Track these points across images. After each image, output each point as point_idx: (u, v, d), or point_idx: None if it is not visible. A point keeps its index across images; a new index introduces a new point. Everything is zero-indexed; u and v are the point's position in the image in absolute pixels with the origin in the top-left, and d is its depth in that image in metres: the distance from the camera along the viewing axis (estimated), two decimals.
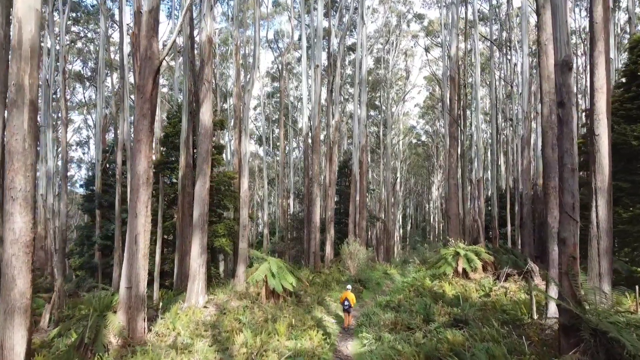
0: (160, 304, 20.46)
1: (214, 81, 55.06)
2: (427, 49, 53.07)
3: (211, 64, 18.19)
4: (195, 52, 22.03)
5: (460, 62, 27.69)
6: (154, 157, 30.71)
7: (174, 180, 26.80)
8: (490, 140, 39.47)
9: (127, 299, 12.29)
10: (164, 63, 54.99)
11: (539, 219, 22.95)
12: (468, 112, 46.28)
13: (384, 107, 56.11)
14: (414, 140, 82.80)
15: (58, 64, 28.84)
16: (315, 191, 26.26)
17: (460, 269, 19.74)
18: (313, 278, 20.62)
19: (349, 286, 15.54)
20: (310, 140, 27.23)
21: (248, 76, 21.40)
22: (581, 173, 19.32)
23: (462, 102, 26.35)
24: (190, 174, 22.49)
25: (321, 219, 28.12)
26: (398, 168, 65.39)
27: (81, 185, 32.23)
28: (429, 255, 34.46)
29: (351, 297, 14.35)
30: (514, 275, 17.59)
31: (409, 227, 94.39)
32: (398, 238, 75.22)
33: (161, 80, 58.91)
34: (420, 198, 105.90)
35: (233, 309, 15.95)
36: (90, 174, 34.81)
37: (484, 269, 20.23)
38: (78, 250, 30.12)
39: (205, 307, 16.69)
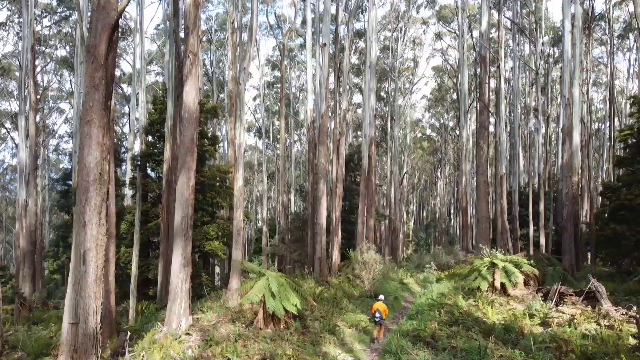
0: (137, 320, 17.24)
1: (210, 68, 51.77)
2: (439, 35, 49.53)
3: (197, 33, 14.74)
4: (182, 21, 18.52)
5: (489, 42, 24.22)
6: (137, 147, 27.25)
7: (161, 175, 23.36)
8: (509, 132, 36.21)
9: (71, 339, 8.95)
10: (154, 47, 51.36)
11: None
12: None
13: (390, 98, 52.63)
14: (419, 134, 79.48)
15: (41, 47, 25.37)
16: (321, 188, 22.91)
17: (497, 284, 16.43)
18: (320, 293, 17.28)
19: (382, 296, 14.63)
20: (316, 130, 23.84)
21: (245, 54, 18.04)
22: None
23: (497, 84, 22.86)
24: (177, 167, 19.11)
25: (327, 219, 24.73)
26: (405, 162, 61.97)
27: (57, 180, 28.87)
28: (445, 259, 31.18)
29: (383, 307, 13.45)
30: (571, 295, 14.23)
31: (411, 224, 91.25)
32: (402, 235, 72.03)
33: (152, 67, 55.51)
34: (425, 193, 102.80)
35: (222, 338, 12.62)
36: (69, 166, 31.42)
37: (525, 283, 16.91)
38: (53, 252, 26.77)
39: (187, 333, 13.37)
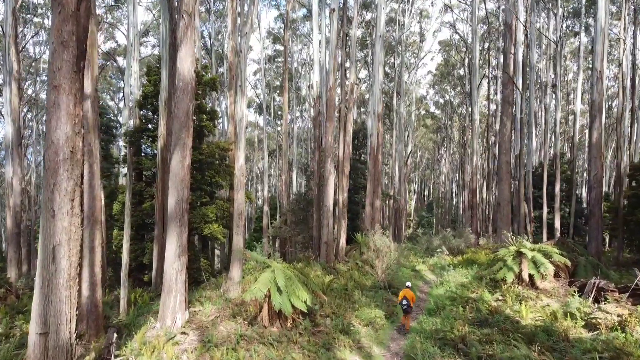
0: (130, 312, 15.77)
1: (208, 41, 49.44)
2: (450, 7, 47.16)
3: None
4: None
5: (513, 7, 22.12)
6: (132, 123, 25.29)
7: (156, 152, 21.58)
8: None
9: (40, 353, 7.40)
10: (151, 17, 48.81)
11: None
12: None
13: (396, 74, 50.49)
14: (422, 112, 77.52)
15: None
16: (328, 167, 21.24)
17: (525, 276, 14.92)
18: (330, 283, 15.78)
19: (409, 283, 13.98)
20: (323, 104, 22.03)
21: (246, 19, 16.11)
22: None
23: (525, 55, 20.88)
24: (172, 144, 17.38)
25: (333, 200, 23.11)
26: (410, 140, 60.15)
27: (43, 156, 27.10)
28: (456, 243, 29.72)
29: (410, 295, 12.87)
30: (612, 291, 12.70)
31: (413, 202, 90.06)
32: (405, 215, 70.77)
33: (148, 39, 53.16)
34: (427, 172, 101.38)
35: (222, 339, 11.14)
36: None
37: (555, 274, 15.38)
38: None
39: (183, 332, 11.89)
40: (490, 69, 52.19)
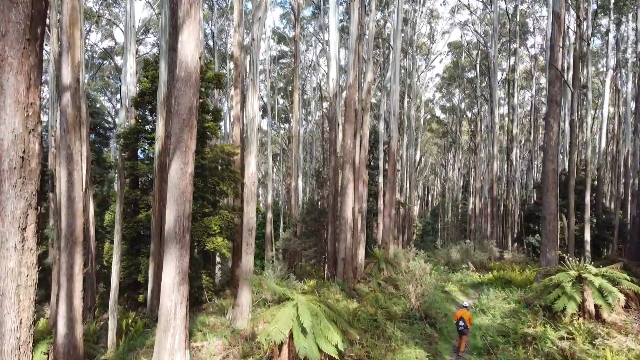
0: (119, 346, 13.37)
1: (211, 39, 47.20)
2: (468, 6, 45.04)
3: None
4: None
5: None
6: (129, 122, 22.96)
7: (153, 156, 19.18)
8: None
9: None
10: (150, 12, 46.60)
11: None
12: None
13: (407, 75, 48.27)
14: (428, 116, 75.51)
15: None
16: (347, 175, 18.90)
17: (590, 306, 12.55)
18: (355, 312, 13.42)
19: (466, 302, 13.71)
20: (341, 104, 19.74)
21: (258, 2, 13.83)
22: None
23: (577, 49, 18.48)
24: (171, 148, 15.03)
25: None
26: (419, 145, 57.91)
27: None
28: (480, 257, 27.34)
29: (467, 316, 12.35)
30: None
31: (416, 208, 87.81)
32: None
33: (149, 38, 50.95)
34: (430, 177, 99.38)
35: None
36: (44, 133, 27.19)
37: (626, 305, 13.01)
38: None
39: None
40: (500, 72, 50.12)
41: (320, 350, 9.46)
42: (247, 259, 13.72)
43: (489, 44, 36.12)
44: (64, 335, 9.85)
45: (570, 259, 13.91)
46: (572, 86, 19.73)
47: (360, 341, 11.24)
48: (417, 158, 55.64)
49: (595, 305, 12.50)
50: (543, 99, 55.29)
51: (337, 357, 9.45)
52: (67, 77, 9.73)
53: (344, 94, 21.87)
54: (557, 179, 16.24)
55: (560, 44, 15.76)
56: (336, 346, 9.37)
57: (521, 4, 36.92)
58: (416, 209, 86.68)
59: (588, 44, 26.81)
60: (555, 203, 16.19)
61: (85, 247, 19.01)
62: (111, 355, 12.18)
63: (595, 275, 12.80)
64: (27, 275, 5.15)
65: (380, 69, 46.25)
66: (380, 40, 43.94)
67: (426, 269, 13.88)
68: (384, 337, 11.69)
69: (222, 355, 11.22)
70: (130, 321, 15.35)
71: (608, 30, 29.01)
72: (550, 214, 16.21)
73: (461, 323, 12.17)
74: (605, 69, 33.18)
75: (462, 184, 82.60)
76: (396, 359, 10.31)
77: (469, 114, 71.20)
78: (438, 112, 78.51)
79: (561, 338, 11.32)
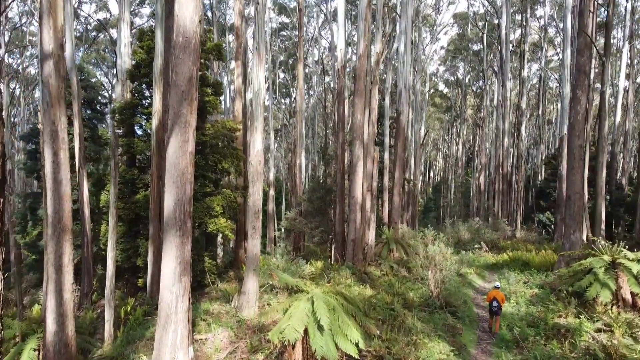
0: (117, 339, 12.47)
1: (209, 11, 45.36)
2: None
3: None
4: None
5: None
6: (125, 96, 21.64)
7: (150, 132, 17.99)
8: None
9: None
10: None
11: None
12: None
13: (413, 47, 46.57)
14: (432, 90, 73.85)
15: None
16: (357, 152, 17.79)
17: (626, 295, 11.60)
18: (370, 299, 12.49)
19: (498, 283, 13.27)
20: (351, 75, 18.42)
21: None
22: None
23: (610, 13, 17.09)
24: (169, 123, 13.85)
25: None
26: (423, 120, 56.51)
27: (22, 137, 23.40)
28: (490, 235, 26.43)
29: (501, 296, 12.10)
30: None
31: (418, 184, 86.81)
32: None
33: (144, 9, 49.08)
34: (433, 152, 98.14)
35: None
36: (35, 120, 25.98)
37: None
38: (21, 226, 21.82)
39: None
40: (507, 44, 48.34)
41: (337, 348, 8.54)
42: (254, 244, 12.71)
43: (499, 13, 34.45)
44: (54, 333, 8.89)
45: (602, 242, 12.90)
46: (604, 55, 18.38)
47: (379, 335, 10.30)
48: (423, 133, 54.25)
49: (632, 293, 11.57)
50: (549, 72, 53.70)
51: (357, 357, 8.50)
52: (48, 43, 8.53)
53: (347, 68, 20.58)
54: (584, 156, 15.13)
55: (591, 9, 14.44)
56: (356, 344, 8.43)
57: None
58: (418, 185, 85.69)
59: (607, 7, 25.21)
60: (582, 181, 15.14)
61: (81, 230, 18.04)
62: (108, 349, 11.28)
63: (632, 260, 11.81)
64: None
65: (386, 41, 44.60)
66: (386, 10, 42.14)
67: (447, 254, 12.89)
68: (404, 330, 10.75)
69: (229, 350, 10.31)
70: (129, 309, 14.47)
71: None
72: (576, 193, 15.15)
73: (495, 304, 12.00)
74: (622, 39, 31.62)
75: (465, 159, 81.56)
76: (420, 355, 9.34)
77: (473, 88, 69.55)
78: (441, 87, 76.82)
79: (598, 330, 10.40)
